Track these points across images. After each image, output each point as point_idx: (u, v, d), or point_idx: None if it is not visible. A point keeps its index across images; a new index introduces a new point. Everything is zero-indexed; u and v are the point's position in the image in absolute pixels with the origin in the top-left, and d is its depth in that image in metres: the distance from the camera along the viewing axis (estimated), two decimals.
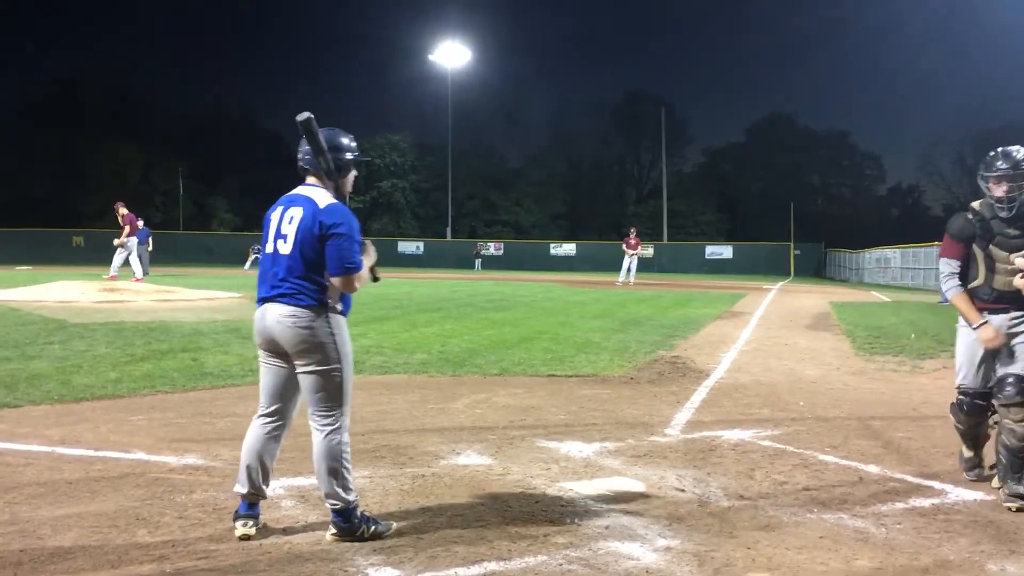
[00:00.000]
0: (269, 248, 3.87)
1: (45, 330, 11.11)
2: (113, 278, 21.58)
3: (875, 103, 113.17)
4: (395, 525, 3.92)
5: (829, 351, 11.46)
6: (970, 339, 4.73)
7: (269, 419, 3.94)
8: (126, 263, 23.55)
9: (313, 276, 3.76)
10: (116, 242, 23.50)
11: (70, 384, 7.48)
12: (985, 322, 4.62)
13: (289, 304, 3.76)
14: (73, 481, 4.60)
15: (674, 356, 10.41)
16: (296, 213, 3.81)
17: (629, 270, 31.07)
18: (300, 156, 3.95)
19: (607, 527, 4.02)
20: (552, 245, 61.67)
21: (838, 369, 9.73)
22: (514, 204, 73.39)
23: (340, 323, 3.86)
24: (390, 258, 57.61)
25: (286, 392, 3.92)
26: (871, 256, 46.15)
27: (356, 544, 3.70)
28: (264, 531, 3.85)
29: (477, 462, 5.19)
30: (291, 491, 4.50)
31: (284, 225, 3.82)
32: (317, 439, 3.81)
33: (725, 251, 59.34)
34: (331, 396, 3.81)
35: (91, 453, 5.20)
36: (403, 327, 12.98)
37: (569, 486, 4.71)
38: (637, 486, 4.75)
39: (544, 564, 3.54)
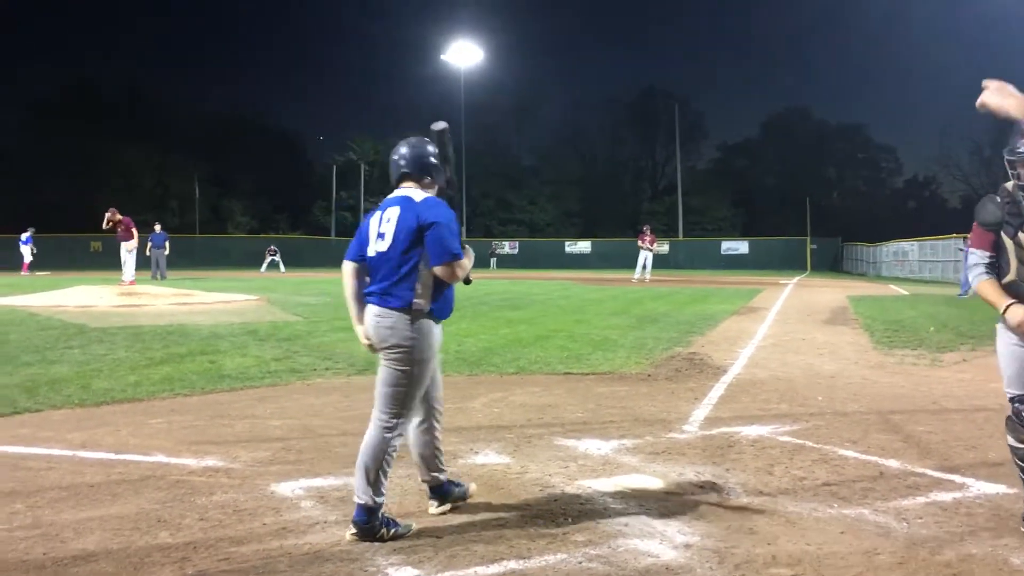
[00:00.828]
0: (371, 251, 3.99)
1: (65, 335, 11.20)
2: (132, 283, 21.75)
3: (890, 95, 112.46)
4: (415, 525, 3.94)
5: (847, 345, 11.40)
6: (1011, 340, 4.05)
7: (416, 415, 4.12)
8: (144, 266, 23.75)
9: (405, 275, 3.87)
10: (130, 246, 23.59)
11: (90, 388, 7.53)
12: (1012, 303, 3.95)
13: (379, 305, 3.92)
14: (95, 484, 4.63)
15: (691, 352, 10.37)
16: (393, 212, 3.95)
17: (645, 267, 30.99)
18: (401, 160, 4.09)
19: (626, 524, 4.01)
20: (567, 243, 61.69)
21: (856, 363, 9.68)
22: (529, 203, 73.41)
23: (424, 328, 3.92)
24: None
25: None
26: (888, 249, 45.87)
27: (376, 544, 3.71)
28: (283, 532, 3.86)
29: (495, 461, 5.19)
30: (310, 492, 4.52)
31: (383, 225, 3.96)
32: (370, 432, 3.94)
33: (741, 246, 59.16)
34: (396, 396, 3.92)
35: (112, 456, 5.24)
36: None
37: (587, 484, 4.71)
38: (656, 483, 4.74)
39: (563, 562, 3.53)
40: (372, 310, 3.95)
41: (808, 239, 56.40)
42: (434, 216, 3.86)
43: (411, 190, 4.03)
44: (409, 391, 3.92)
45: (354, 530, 3.80)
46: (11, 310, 15.09)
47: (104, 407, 6.85)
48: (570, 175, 76.90)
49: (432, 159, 4.11)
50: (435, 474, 4.21)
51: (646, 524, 4.01)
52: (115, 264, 24.30)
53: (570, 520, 4.06)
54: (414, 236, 3.85)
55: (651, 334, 12.23)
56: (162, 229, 31.66)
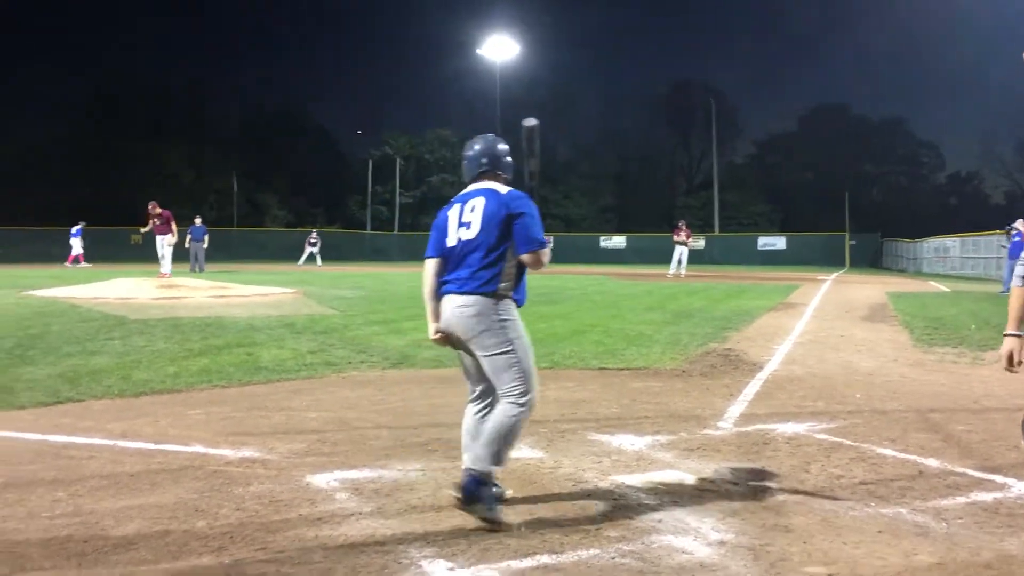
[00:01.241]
0: (451, 241, 4.09)
1: (106, 326, 11.39)
2: (167, 276, 22.03)
3: (932, 89, 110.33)
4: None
5: (886, 342, 11.25)
6: None
7: (476, 401, 4.22)
8: (183, 259, 24.05)
9: (491, 263, 3.99)
10: (169, 240, 23.93)
11: (130, 379, 7.65)
12: (1013, 334, 3.77)
13: (462, 294, 4.00)
14: (134, 474, 4.70)
15: (727, 348, 10.30)
16: (478, 202, 4.08)
17: (680, 262, 30.84)
18: (482, 158, 4.23)
19: (660, 521, 3.99)
20: (602, 238, 61.45)
21: (895, 361, 9.55)
22: (563, 197, 73.23)
23: (511, 307, 4.08)
24: None
25: (483, 375, 4.13)
26: (929, 245, 45.18)
27: (410, 536, 3.73)
28: (318, 523, 3.90)
29: (528, 455, 5.20)
30: (345, 484, 4.55)
31: (466, 214, 4.08)
32: (498, 407, 4.03)
33: (778, 242, 58.54)
34: (513, 373, 3.99)
35: (151, 446, 5.32)
36: None
37: (621, 479, 4.70)
38: (690, 479, 4.72)
39: (596, 557, 3.53)
40: (453, 300, 4.02)
41: (847, 234, 55.67)
42: (522, 207, 4.01)
43: (492, 183, 4.17)
44: (523, 363, 4.02)
45: (458, 493, 3.87)
46: (53, 301, 15.37)
47: (143, 397, 6.95)
48: (605, 169, 76.63)
49: (508, 157, 4.27)
50: None
51: (680, 520, 4.00)
52: (155, 257, 24.57)
53: (603, 515, 4.06)
54: (502, 226, 3.98)
55: (686, 330, 12.16)
56: (201, 222, 32.08)
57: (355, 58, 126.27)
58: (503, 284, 4.02)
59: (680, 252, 30.80)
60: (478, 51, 60.68)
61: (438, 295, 4.13)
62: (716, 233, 60.56)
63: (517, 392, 3.99)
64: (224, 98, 78.96)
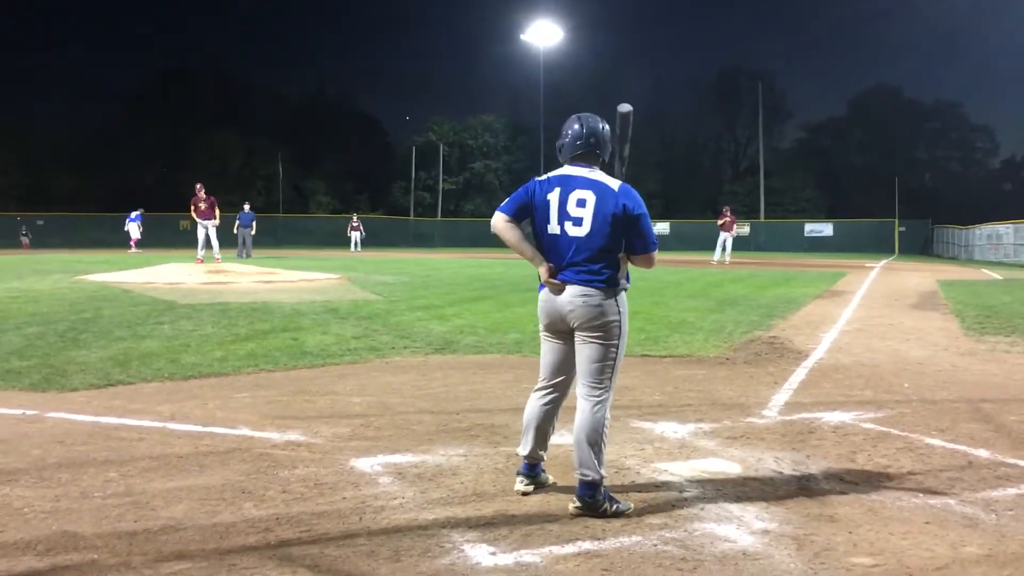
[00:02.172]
0: (554, 229, 4.03)
1: (155, 310, 11.59)
2: (200, 261, 22.20)
3: (987, 73, 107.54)
4: (632, 505, 3.97)
5: (936, 331, 11.05)
6: None
7: (546, 392, 4.24)
8: (219, 244, 24.04)
9: (608, 258, 4.00)
10: (213, 224, 23.90)
11: (179, 362, 7.79)
12: None
13: (582, 285, 3.98)
14: (183, 455, 4.79)
15: (772, 336, 10.19)
16: (587, 196, 3.99)
17: (724, 249, 30.57)
18: (584, 139, 4.12)
19: (702, 509, 3.97)
20: None
21: (946, 350, 9.37)
22: (603, 166, 72.83)
23: (626, 305, 4.12)
24: (484, 239, 57.95)
25: (564, 368, 4.18)
26: (982, 232, 44.20)
27: (453, 520, 3.76)
28: (362, 507, 3.94)
29: (570, 441, 5.18)
30: (388, 468, 4.59)
31: (572, 208, 4.00)
32: (584, 408, 4.04)
33: (825, 228, 57.72)
34: (605, 370, 4.05)
35: (199, 429, 5.41)
36: (496, 307, 13.07)
37: (664, 467, 4.68)
38: (734, 468, 4.68)
39: (639, 544, 3.52)
40: (574, 289, 3.99)
41: (896, 221, 54.69)
42: (639, 207, 4.00)
43: (593, 171, 4.09)
44: (617, 363, 4.09)
45: (578, 503, 3.89)
46: (105, 286, 15.68)
47: (192, 381, 7.07)
48: (650, 156, 75.96)
49: (606, 139, 4.17)
50: (541, 452, 4.25)
51: (723, 509, 3.97)
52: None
53: (646, 503, 4.05)
54: (619, 224, 3.96)
55: (730, 317, 12.05)
56: (249, 208, 32.41)
57: (401, 45, 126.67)
58: (623, 280, 4.09)
59: (725, 238, 30.51)
60: (522, 37, 60.52)
61: (528, 241, 4.10)
62: (762, 219, 59.84)
63: (604, 387, 4.04)
64: (271, 85, 79.69)
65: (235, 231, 31.09)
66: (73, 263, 24.04)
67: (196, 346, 8.69)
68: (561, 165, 4.17)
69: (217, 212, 24.13)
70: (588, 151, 4.11)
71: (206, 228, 23.85)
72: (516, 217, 4.10)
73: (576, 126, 4.14)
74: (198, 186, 24.21)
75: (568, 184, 4.04)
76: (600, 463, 3.94)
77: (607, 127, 4.21)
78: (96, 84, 76.31)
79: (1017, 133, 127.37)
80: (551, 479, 4.33)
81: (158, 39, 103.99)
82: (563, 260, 4.02)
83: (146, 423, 5.55)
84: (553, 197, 4.03)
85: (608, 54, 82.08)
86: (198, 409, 5.98)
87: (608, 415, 4.05)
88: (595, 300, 3.98)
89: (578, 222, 3.97)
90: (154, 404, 6.12)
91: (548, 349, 4.23)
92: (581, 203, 3.98)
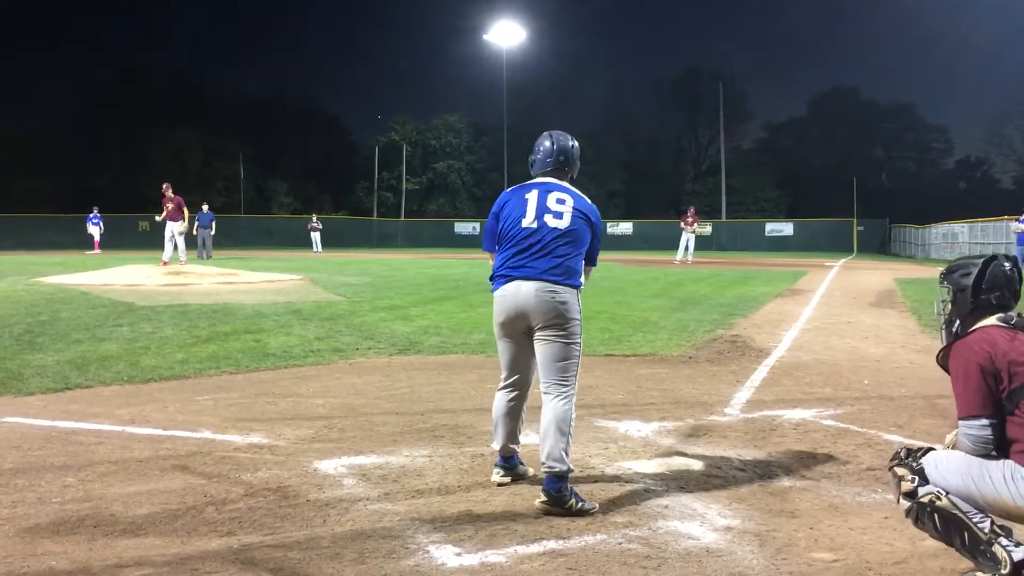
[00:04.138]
0: (529, 223, 4.17)
1: (114, 313, 11.42)
2: (166, 264, 21.78)
3: (941, 74, 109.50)
4: (597, 505, 3.98)
5: (894, 329, 11.23)
6: None
7: (509, 390, 4.36)
8: (191, 245, 23.64)
9: (578, 256, 4.20)
10: (181, 228, 23.42)
11: (139, 365, 7.68)
12: None
13: (552, 281, 4.10)
14: (143, 459, 4.73)
15: (733, 335, 10.29)
16: (565, 197, 4.23)
17: (687, 248, 30.79)
18: (556, 155, 4.37)
19: (666, 506, 4.00)
20: (609, 224, 61.29)
21: (904, 347, 9.53)
22: (570, 182, 73.10)
23: (580, 305, 4.23)
24: (447, 239, 57.90)
25: (523, 364, 4.31)
26: (938, 231, 44.95)
27: (417, 522, 3.75)
28: (325, 509, 3.92)
29: (535, 441, 5.16)
30: (352, 470, 4.57)
31: (553, 204, 4.19)
32: (549, 403, 4.12)
33: (786, 228, 58.33)
34: (570, 368, 4.17)
35: (160, 432, 5.34)
36: (460, 307, 13.05)
37: (628, 465, 4.71)
38: (697, 465, 4.72)
39: (603, 543, 3.54)
40: (539, 285, 4.09)
41: (855, 220, 55.43)
42: (599, 224, 4.32)
43: (567, 185, 4.34)
44: (578, 360, 4.21)
45: (544, 498, 3.92)
46: (62, 288, 15.41)
47: (152, 384, 6.98)
48: (612, 156, 76.27)
49: (575, 156, 4.45)
50: (512, 445, 4.36)
51: (686, 506, 4.01)
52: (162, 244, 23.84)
53: (610, 501, 4.07)
54: (589, 228, 4.22)
55: (693, 316, 12.15)
56: (209, 209, 32.05)
57: (363, 44, 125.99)
58: (583, 280, 4.23)
59: (687, 238, 30.74)
60: (485, 37, 60.52)
61: (507, 279, 4.18)
62: (723, 219, 60.37)
63: (570, 384, 4.14)
64: (230, 84, 78.94)
65: (194, 232, 30.70)
66: (28, 265, 23.59)
67: (156, 348, 8.58)
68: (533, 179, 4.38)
69: (185, 213, 23.44)
70: (558, 168, 4.35)
71: (172, 230, 23.32)
72: (497, 246, 4.32)
73: (547, 143, 4.37)
74: (165, 186, 23.57)
75: (547, 187, 4.27)
76: (567, 454, 4.00)
77: (576, 144, 4.43)
78: (50, 83, 75.05)
79: (970, 133, 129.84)
80: (531, 471, 4.42)
81: (113, 37, 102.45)
82: (529, 255, 4.12)
83: (105, 427, 5.47)
84: (531, 196, 4.22)
85: (570, 54, 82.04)
86: (158, 412, 5.90)
87: (574, 409, 4.14)
88: (561, 297, 4.08)
89: (559, 215, 4.16)
90: (113, 408, 6.04)
91: (505, 348, 4.34)
92: (561, 201, 4.20)
